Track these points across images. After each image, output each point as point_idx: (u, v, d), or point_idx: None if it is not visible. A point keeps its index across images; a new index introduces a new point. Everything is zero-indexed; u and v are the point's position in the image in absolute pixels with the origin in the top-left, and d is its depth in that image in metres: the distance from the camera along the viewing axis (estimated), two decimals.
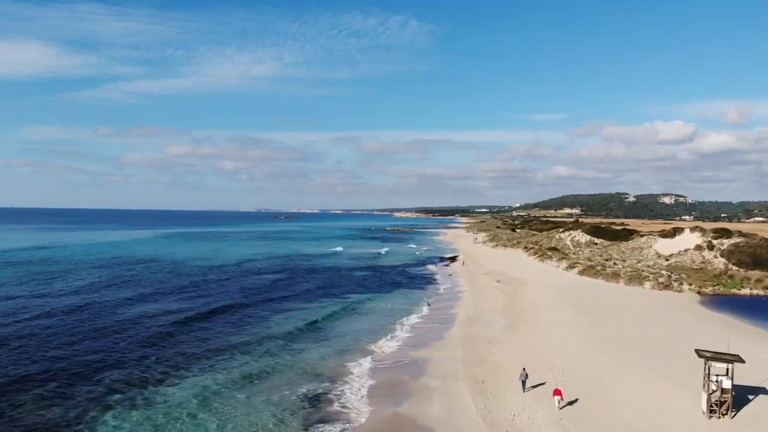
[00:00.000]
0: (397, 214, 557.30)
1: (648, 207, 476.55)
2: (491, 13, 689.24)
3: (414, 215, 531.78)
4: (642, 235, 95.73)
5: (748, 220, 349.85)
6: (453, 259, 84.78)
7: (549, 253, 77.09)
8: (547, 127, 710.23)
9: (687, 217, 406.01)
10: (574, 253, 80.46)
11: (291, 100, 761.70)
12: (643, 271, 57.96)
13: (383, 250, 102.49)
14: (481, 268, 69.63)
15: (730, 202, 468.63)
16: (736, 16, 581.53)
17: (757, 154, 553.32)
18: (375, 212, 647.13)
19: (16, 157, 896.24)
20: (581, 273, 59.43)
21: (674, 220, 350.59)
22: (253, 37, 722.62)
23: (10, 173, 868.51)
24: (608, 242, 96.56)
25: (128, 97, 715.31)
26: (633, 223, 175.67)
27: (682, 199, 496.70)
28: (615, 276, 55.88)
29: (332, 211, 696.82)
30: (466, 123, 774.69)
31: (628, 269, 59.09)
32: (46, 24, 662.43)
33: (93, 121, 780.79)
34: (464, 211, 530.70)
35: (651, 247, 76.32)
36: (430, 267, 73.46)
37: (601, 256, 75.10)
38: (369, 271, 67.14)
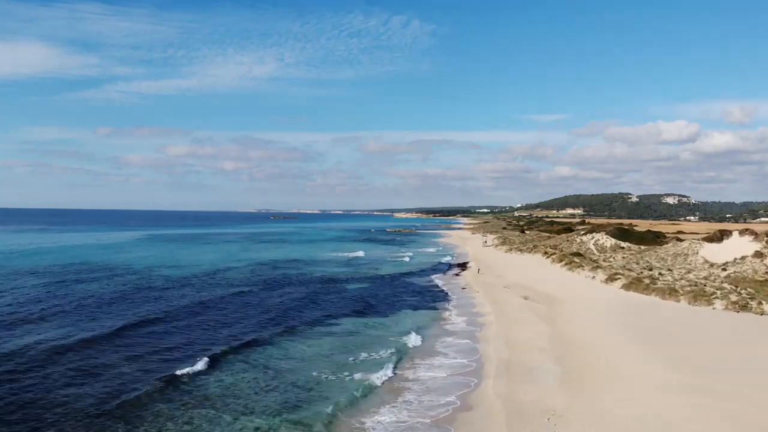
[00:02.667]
0: (398, 215, 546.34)
1: (651, 207, 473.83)
2: (493, 13, 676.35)
3: (414, 215, 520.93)
4: (679, 239, 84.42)
5: (754, 221, 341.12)
6: (463, 266, 73.39)
7: (576, 260, 65.69)
8: (549, 127, 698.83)
9: (691, 218, 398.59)
10: (603, 260, 69.12)
11: (292, 101, 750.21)
12: (704, 285, 46.61)
13: (382, 255, 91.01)
14: (499, 278, 58.23)
15: (734, 203, 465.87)
16: (741, 14, 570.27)
17: (761, 154, 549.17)
18: (375, 212, 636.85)
19: (16, 158, 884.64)
20: (627, 287, 47.98)
21: (679, 220, 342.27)
22: (254, 38, 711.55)
23: (10, 173, 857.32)
24: (636, 246, 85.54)
25: (129, 97, 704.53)
26: (642, 224, 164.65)
27: (685, 200, 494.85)
28: (672, 292, 44.44)
29: (332, 212, 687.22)
30: (468, 123, 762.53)
31: (684, 283, 47.72)
32: (47, 24, 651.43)
33: (93, 121, 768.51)
34: (465, 212, 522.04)
35: (697, 253, 64.86)
36: (438, 277, 61.99)
37: (638, 264, 63.74)
38: (363, 283, 55.67)
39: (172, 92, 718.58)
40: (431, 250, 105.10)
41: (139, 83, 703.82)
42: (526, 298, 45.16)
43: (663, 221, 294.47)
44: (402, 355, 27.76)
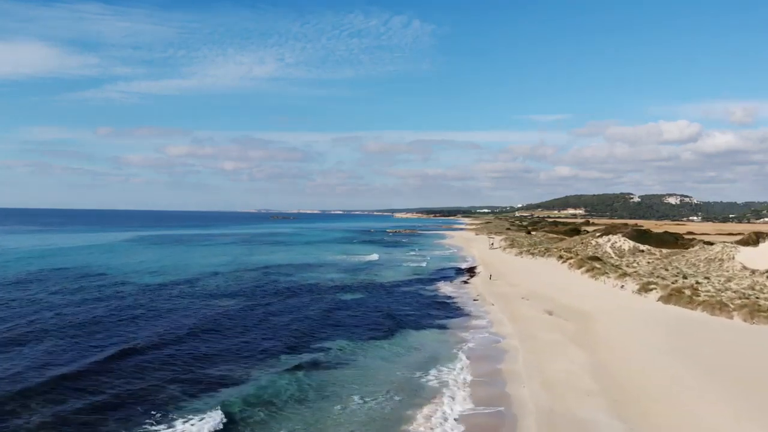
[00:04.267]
0: (398, 215, 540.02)
1: (653, 207, 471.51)
2: (493, 13, 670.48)
3: (414, 216, 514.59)
4: (707, 242, 77.95)
5: (758, 221, 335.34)
6: (471, 271, 66.93)
7: (598, 265, 59.21)
8: (549, 127, 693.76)
9: (694, 218, 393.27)
10: (626, 265, 62.68)
11: (292, 101, 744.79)
12: (757, 297, 40.13)
13: (381, 259, 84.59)
14: (514, 287, 51.77)
15: (736, 203, 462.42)
16: (743, 14, 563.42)
17: (762, 154, 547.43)
18: (375, 212, 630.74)
19: (16, 158, 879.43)
20: (666, 300, 41.44)
21: (681, 220, 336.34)
22: (254, 38, 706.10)
23: (10, 173, 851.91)
24: (656, 249, 79.07)
25: (129, 97, 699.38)
26: (645, 224, 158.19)
27: (687, 200, 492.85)
28: (722, 307, 37.96)
29: (332, 212, 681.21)
30: (468, 123, 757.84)
31: (732, 295, 41.22)
32: (48, 24, 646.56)
33: (93, 121, 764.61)
34: (465, 212, 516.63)
35: (733, 258, 58.44)
36: (445, 285, 55.49)
37: (667, 270, 57.30)
38: (359, 293, 49.13)
39: (172, 92, 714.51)
40: (435, 252, 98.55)
41: (139, 83, 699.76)
42: (550, 313, 38.68)
43: (666, 221, 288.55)
44: (410, 403, 21.29)
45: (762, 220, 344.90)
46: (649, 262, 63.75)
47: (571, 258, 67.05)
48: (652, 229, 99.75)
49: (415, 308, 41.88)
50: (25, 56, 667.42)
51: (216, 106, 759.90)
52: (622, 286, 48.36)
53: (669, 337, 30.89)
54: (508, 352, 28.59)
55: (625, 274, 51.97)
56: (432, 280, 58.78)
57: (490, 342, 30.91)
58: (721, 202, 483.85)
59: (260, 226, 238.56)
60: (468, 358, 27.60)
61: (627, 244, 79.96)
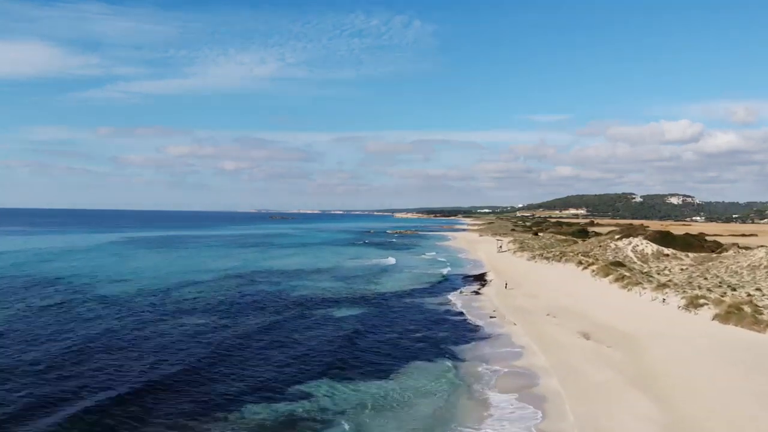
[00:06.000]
0: (398, 215, 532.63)
1: (655, 208, 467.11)
2: (494, 13, 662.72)
3: (415, 216, 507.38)
4: (740, 246, 71.04)
5: (762, 221, 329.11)
6: (481, 278, 59.84)
7: (626, 273, 52.14)
8: (551, 127, 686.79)
9: (697, 218, 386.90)
10: (657, 272, 55.64)
11: (293, 101, 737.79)
12: None
13: (380, 263, 77.50)
14: (534, 299, 44.69)
15: (738, 203, 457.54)
16: (746, 13, 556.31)
17: (763, 154, 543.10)
18: (375, 212, 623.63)
19: (17, 158, 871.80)
20: (723, 319, 34.34)
21: (685, 220, 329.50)
22: (255, 37, 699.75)
23: (10, 173, 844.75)
24: (681, 253, 72.05)
25: (130, 97, 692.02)
26: (652, 225, 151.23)
27: (689, 200, 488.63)
28: None
29: (333, 212, 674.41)
30: (470, 123, 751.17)
31: None
32: (49, 24, 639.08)
33: (94, 121, 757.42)
34: (466, 212, 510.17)
35: None
36: (454, 296, 48.39)
37: (706, 279, 50.23)
38: (353, 308, 42.00)
39: (173, 92, 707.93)
40: (440, 257, 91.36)
41: (140, 83, 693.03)
42: (586, 336, 31.61)
43: (669, 222, 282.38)
44: None
45: (766, 220, 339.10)
46: (682, 269, 56.66)
47: (593, 264, 59.99)
48: (676, 232, 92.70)
49: (422, 329, 34.74)
50: (26, 56, 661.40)
51: (217, 105, 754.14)
52: (663, 300, 41.23)
53: (752, 374, 23.86)
54: (548, 400, 21.55)
55: (663, 285, 44.87)
56: (438, 290, 51.69)
57: (522, 383, 23.82)
58: (723, 202, 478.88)
59: (256, 226, 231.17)
60: (496, 409, 20.56)
61: (650, 247, 72.91)
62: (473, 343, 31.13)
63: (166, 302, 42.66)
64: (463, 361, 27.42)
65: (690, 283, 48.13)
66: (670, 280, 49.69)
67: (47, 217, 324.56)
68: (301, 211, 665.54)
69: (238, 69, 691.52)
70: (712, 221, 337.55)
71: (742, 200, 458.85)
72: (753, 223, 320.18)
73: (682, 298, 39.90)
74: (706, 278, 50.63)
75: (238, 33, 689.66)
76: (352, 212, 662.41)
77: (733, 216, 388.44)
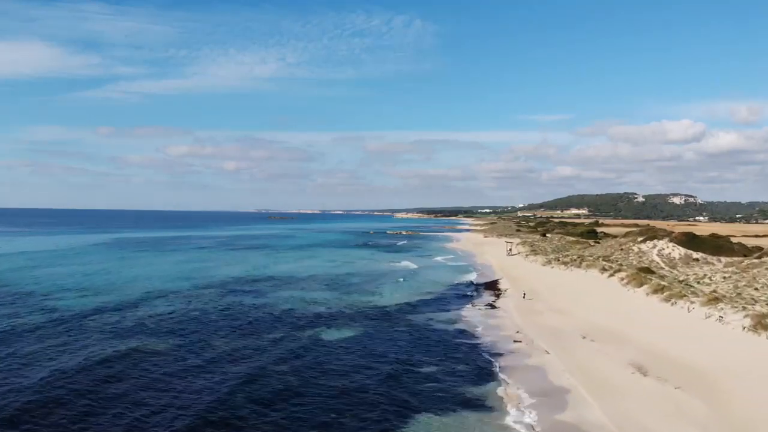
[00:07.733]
0: (398, 215, 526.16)
1: (657, 207, 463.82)
2: (496, 13, 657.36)
3: (415, 216, 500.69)
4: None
5: (765, 221, 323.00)
6: (494, 287, 52.88)
7: (665, 283, 45.17)
8: (552, 127, 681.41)
9: (700, 218, 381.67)
10: (696, 281, 48.67)
11: (294, 101, 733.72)
12: None
13: (381, 269, 70.55)
14: (562, 314, 37.76)
15: (740, 203, 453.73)
16: (747, 13, 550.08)
17: (765, 153, 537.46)
18: (375, 213, 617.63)
19: (17, 158, 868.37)
20: None
21: (688, 220, 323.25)
22: (256, 37, 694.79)
23: (10, 173, 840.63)
24: (712, 257, 65.10)
25: (130, 97, 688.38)
26: (658, 225, 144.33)
27: (692, 200, 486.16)
28: None
29: (333, 212, 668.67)
30: (470, 123, 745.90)
31: None
32: (49, 24, 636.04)
33: (94, 121, 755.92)
34: (467, 212, 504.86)
35: None
36: (466, 310, 41.39)
37: (757, 290, 43.27)
38: (348, 329, 34.99)
39: (173, 92, 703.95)
40: (445, 261, 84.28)
41: (140, 83, 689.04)
42: (643, 372, 24.64)
43: (673, 222, 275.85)
44: None
45: None
46: (724, 277, 49.67)
47: (620, 270, 53.06)
48: (702, 234, 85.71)
49: (430, 359, 27.75)
50: (26, 56, 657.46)
51: (217, 105, 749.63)
52: (720, 318, 34.26)
53: None
54: None
55: (715, 299, 37.90)
56: (448, 303, 44.70)
57: None
58: (725, 201, 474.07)
59: (255, 227, 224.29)
60: None
61: (677, 251, 66.12)
62: (495, 383, 24.08)
63: (130, 319, 35.75)
64: (488, 410, 20.46)
65: (739, 294, 41.25)
66: (714, 291, 42.83)
67: (39, 217, 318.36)
68: (301, 211, 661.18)
69: (239, 69, 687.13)
70: (715, 221, 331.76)
71: (743, 200, 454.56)
72: (757, 223, 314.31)
73: (745, 316, 32.96)
74: (756, 288, 43.67)
75: (238, 33, 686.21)
76: (353, 212, 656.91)
77: (736, 216, 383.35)
